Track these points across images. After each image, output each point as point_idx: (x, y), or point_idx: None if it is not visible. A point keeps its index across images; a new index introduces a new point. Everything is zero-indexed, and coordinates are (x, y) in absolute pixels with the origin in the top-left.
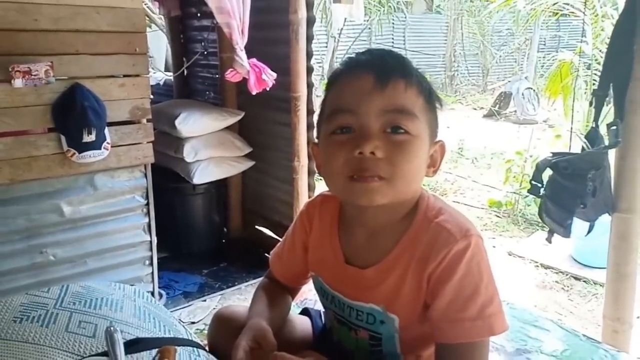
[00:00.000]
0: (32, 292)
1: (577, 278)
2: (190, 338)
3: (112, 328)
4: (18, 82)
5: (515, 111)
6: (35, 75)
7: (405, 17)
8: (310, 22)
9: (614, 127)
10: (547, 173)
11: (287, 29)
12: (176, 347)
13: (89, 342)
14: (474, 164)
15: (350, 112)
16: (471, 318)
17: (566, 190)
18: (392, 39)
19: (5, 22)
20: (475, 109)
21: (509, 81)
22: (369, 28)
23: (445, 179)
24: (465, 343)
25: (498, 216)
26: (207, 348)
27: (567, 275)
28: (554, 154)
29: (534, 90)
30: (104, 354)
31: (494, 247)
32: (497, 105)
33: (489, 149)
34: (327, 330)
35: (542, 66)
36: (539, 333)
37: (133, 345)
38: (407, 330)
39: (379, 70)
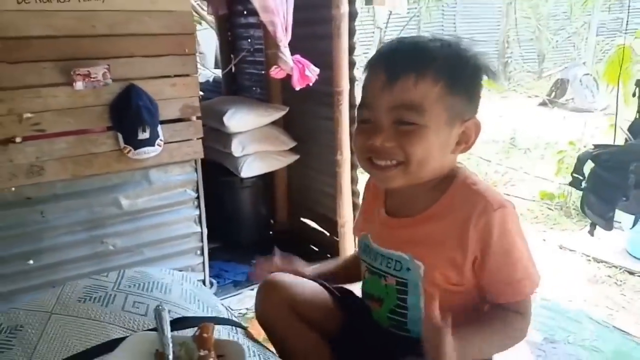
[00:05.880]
0: (94, 276)
1: (631, 272)
2: (230, 318)
3: (160, 307)
4: (79, 85)
5: (573, 99)
6: (94, 78)
7: (456, 3)
8: (353, 16)
9: None
10: (590, 166)
11: (329, 24)
12: (215, 324)
13: (142, 320)
14: (526, 155)
15: (367, 108)
16: (520, 278)
17: (608, 183)
18: (442, 26)
19: (66, 29)
20: (529, 97)
21: (566, 67)
22: (418, 16)
23: (496, 170)
24: (518, 300)
25: (550, 208)
26: (246, 327)
27: (620, 269)
28: (596, 146)
29: (592, 77)
30: (154, 329)
31: (544, 240)
32: (553, 93)
33: (543, 139)
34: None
35: (602, 51)
36: (569, 324)
37: (179, 323)
38: (431, 280)
39: (390, 67)
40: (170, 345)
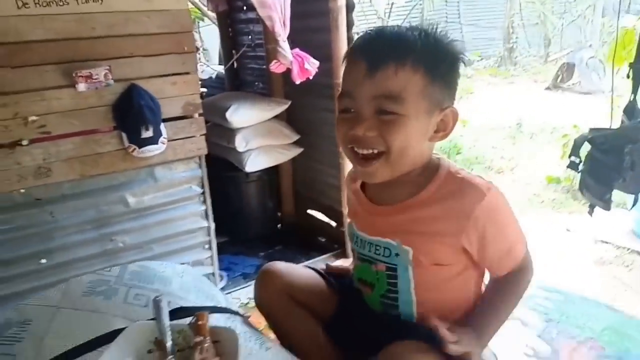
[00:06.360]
0: (98, 271)
1: (638, 253)
2: (229, 307)
3: (158, 298)
4: (81, 87)
5: (579, 82)
6: (96, 79)
7: None
8: (350, 8)
9: None
10: (587, 148)
11: (327, 17)
12: (210, 312)
13: (142, 311)
14: (532, 140)
15: (349, 97)
16: (514, 242)
17: (604, 165)
18: (446, 13)
19: (66, 32)
20: (536, 81)
21: (572, 51)
22: (420, 4)
23: (502, 156)
24: (518, 261)
25: (556, 192)
26: (248, 316)
27: (628, 250)
28: (592, 129)
29: (598, 59)
30: (154, 319)
31: (551, 223)
32: (560, 77)
33: (549, 124)
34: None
35: (607, 33)
36: (564, 304)
37: (177, 313)
38: (420, 265)
39: (370, 57)
40: (168, 333)
